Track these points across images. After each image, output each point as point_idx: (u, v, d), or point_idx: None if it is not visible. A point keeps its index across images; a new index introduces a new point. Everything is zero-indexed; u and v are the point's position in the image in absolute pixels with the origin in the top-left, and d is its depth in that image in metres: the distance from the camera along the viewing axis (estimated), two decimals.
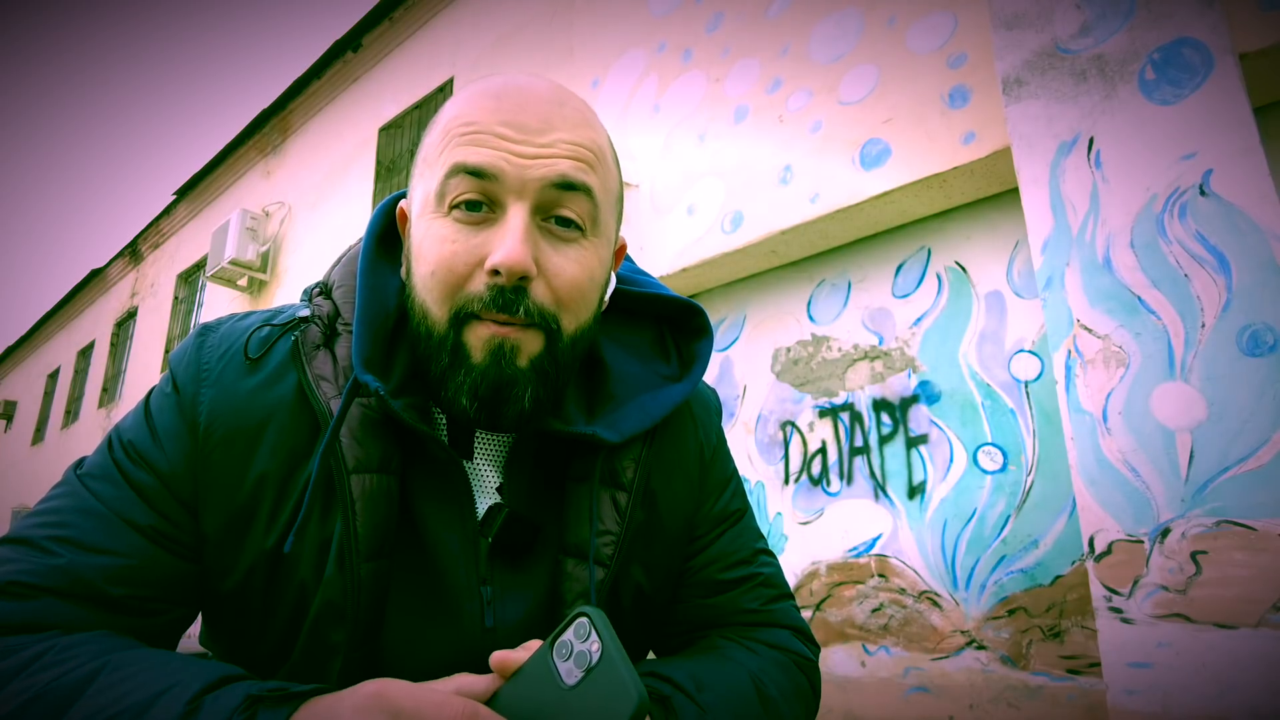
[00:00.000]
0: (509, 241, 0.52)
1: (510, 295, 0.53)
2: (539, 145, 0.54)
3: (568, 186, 0.55)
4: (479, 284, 0.54)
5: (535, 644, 0.47)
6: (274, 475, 0.57)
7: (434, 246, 0.55)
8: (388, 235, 0.67)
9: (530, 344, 0.55)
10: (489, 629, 0.59)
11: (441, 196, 0.55)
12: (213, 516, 0.56)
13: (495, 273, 0.53)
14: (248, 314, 0.65)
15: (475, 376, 0.55)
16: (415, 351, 0.59)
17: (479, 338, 0.55)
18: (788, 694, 0.64)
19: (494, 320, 0.54)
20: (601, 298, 0.62)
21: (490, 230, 0.54)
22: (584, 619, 0.42)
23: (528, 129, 0.54)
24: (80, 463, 0.59)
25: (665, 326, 0.75)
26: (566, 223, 0.56)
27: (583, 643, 0.41)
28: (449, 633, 0.58)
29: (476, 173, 0.53)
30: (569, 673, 0.42)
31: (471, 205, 0.54)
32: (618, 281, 0.72)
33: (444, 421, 0.62)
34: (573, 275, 0.56)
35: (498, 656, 0.46)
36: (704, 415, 0.75)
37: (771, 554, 0.76)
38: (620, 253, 0.69)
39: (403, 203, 0.64)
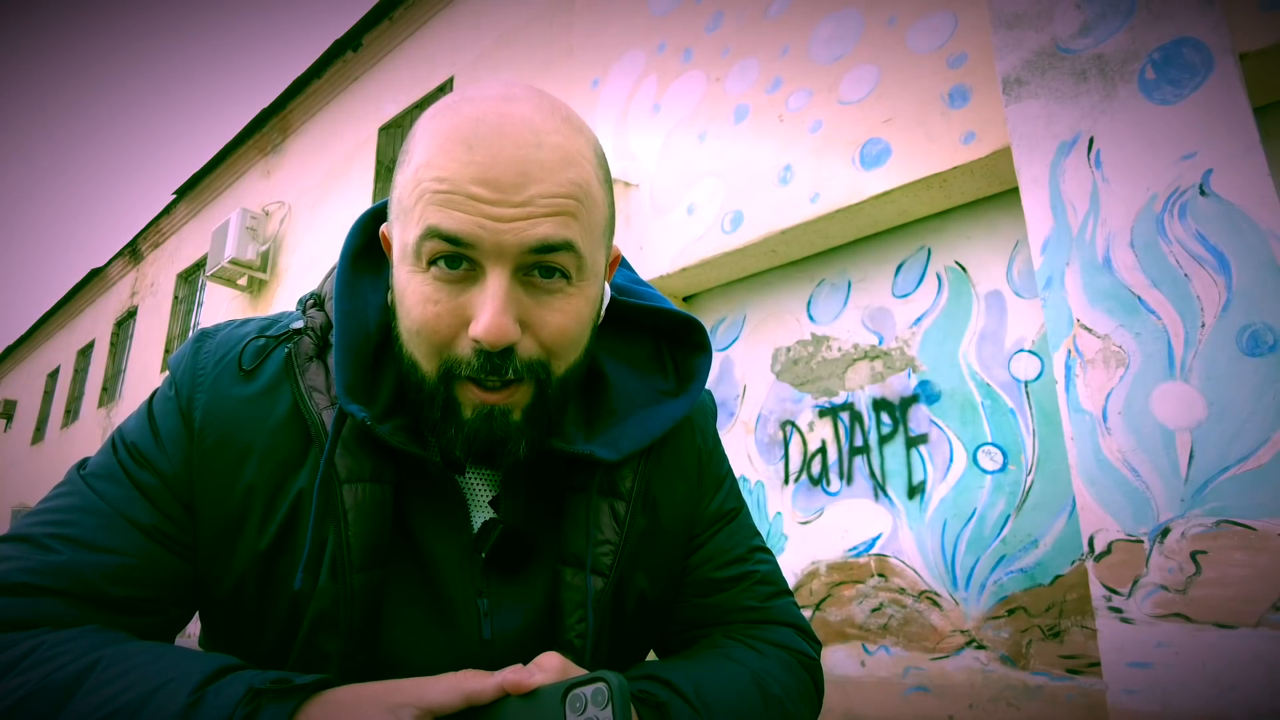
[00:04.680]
0: (489, 313, 0.51)
1: (497, 360, 0.53)
2: (515, 205, 0.51)
3: (548, 249, 0.52)
4: (465, 348, 0.53)
5: (552, 661, 0.49)
6: (263, 486, 0.57)
7: (417, 305, 0.54)
8: (367, 248, 0.65)
9: (521, 399, 0.55)
10: (487, 640, 0.59)
11: (419, 253, 0.53)
12: (207, 520, 0.57)
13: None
14: (245, 321, 0.65)
15: (468, 433, 0.55)
16: (401, 372, 0.58)
17: (469, 401, 0.55)
18: (792, 693, 0.64)
19: (483, 385, 0.54)
20: (594, 326, 0.61)
21: (471, 291, 0.53)
22: (604, 685, 0.43)
23: (502, 186, 0.50)
24: (83, 463, 0.59)
25: (663, 340, 0.73)
26: (551, 272, 0.54)
27: (598, 709, 0.43)
28: (447, 644, 0.58)
29: (452, 239, 0.51)
30: None
31: (451, 262, 0.52)
32: (616, 291, 0.71)
33: None
34: (560, 325, 0.55)
35: (514, 676, 0.47)
36: (700, 418, 0.75)
37: (768, 551, 0.76)
38: (614, 264, 0.67)
39: (384, 228, 0.61)
